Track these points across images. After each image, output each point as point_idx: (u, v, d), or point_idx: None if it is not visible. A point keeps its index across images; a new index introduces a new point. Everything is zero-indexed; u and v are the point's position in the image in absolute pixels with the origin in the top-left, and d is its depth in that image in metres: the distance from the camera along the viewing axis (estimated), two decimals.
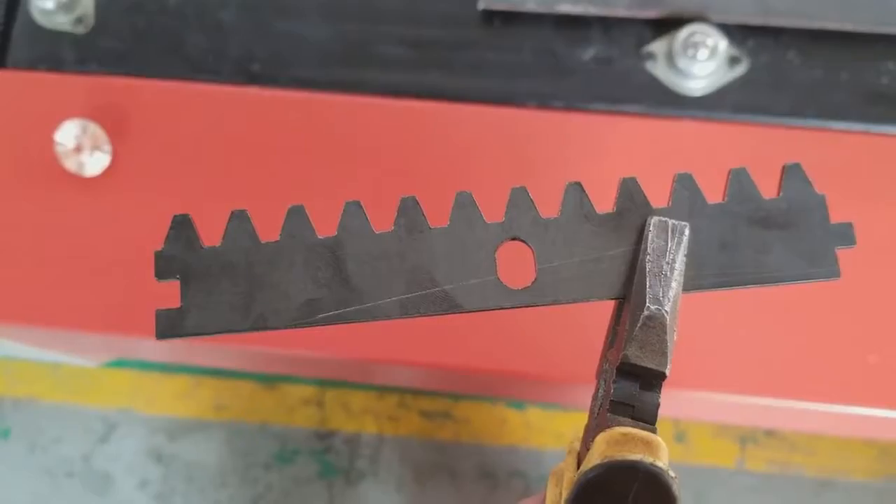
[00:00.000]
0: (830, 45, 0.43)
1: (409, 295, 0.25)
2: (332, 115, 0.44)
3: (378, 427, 0.78)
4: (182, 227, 0.25)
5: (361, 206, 0.25)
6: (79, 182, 0.43)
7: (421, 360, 0.42)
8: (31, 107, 0.45)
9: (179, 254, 0.24)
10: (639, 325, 0.23)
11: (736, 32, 0.43)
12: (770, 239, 0.25)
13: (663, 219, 0.24)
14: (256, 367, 0.76)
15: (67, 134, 0.42)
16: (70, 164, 0.43)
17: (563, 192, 0.25)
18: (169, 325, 0.24)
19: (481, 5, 0.44)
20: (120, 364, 0.81)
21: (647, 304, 0.23)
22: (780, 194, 0.26)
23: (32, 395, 0.81)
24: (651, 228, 0.24)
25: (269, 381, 0.80)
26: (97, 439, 0.80)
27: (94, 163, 0.43)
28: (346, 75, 0.45)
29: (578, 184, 0.25)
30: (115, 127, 0.43)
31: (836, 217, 0.25)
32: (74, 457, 0.79)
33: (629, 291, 0.24)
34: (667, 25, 0.43)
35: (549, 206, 0.25)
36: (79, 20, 0.46)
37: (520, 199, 0.25)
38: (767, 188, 0.40)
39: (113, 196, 0.43)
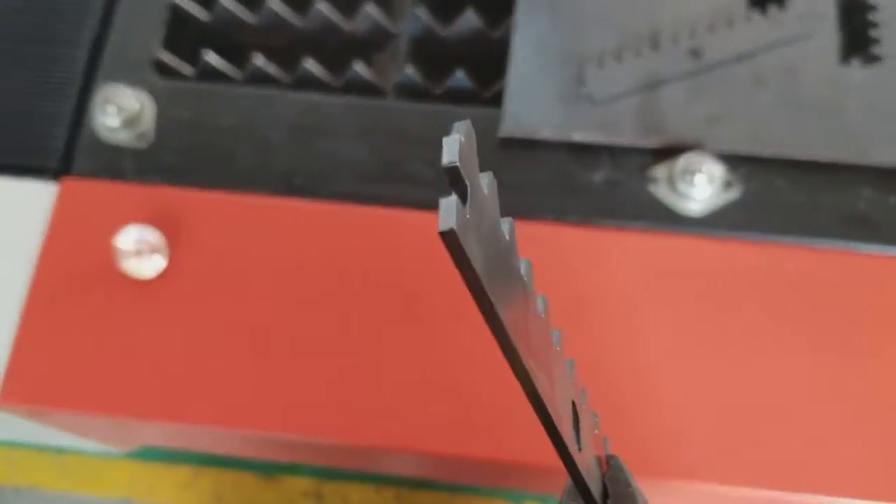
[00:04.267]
0: (814, 173, 0.49)
1: None
2: (366, 226, 0.49)
3: None
4: None
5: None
6: (136, 284, 0.47)
7: (424, 448, 0.45)
8: (93, 213, 0.49)
9: None
10: None
11: (730, 160, 0.49)
12: None
13: None
14: (258, 454, 0.78)
15: (127, 238, 0.47)
16: (129, 267, 0.47)
17: None
18: None
19: (501, 134, 0.50)
20: (124, 455, 0.83)
21: None
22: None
23: (34, 483, 0.83)
24: None
25: (269, 472, 0.81)
26: None
27: (152, 266, 0.47)
28: (378, 190, 0.50)
29: None
30: (171, 233, 0.48)
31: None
32: None
33: None
34: (668, 153, 0.49)
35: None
36: (140, 136, 0.51)
37: None
38: (756, 298, 0.45)
39: (168, 297, 0.47)
